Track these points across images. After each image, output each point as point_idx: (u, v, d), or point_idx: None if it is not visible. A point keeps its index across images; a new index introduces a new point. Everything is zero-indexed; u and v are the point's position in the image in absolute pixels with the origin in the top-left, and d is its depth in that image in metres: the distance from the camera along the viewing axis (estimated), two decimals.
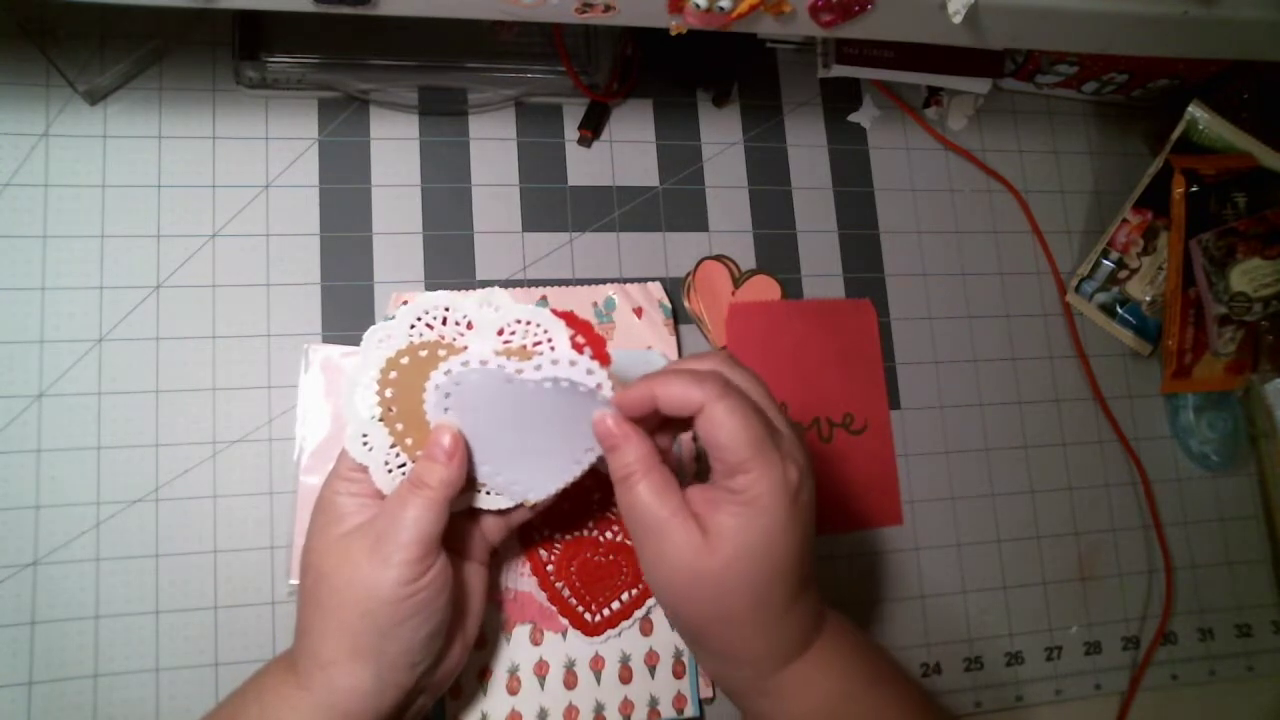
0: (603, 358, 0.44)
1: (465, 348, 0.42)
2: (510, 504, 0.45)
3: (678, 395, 0.39)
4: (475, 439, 0.43)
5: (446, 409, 0.42)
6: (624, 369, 0.56)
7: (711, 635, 0.41)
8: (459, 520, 0.45)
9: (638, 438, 0.41)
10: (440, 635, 0.43)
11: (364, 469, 0.42)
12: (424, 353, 0.41)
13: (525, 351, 0.42)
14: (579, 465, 0.43)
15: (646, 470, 0.40)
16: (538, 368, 0.41)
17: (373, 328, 0.42)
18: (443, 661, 0.44)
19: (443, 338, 0.42)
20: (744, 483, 0.39)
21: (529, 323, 0.42)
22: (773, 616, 0.40)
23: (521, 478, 0.44)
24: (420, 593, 0.40)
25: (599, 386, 0.41)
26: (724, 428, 0.38)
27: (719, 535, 0.39)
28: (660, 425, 0.43)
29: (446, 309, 0.42)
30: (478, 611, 0.47)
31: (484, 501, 0.45)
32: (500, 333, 0.42)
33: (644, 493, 0.40)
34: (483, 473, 0.44)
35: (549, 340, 0.42)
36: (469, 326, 0.42)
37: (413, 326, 0.42)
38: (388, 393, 0.41)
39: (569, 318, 0.42)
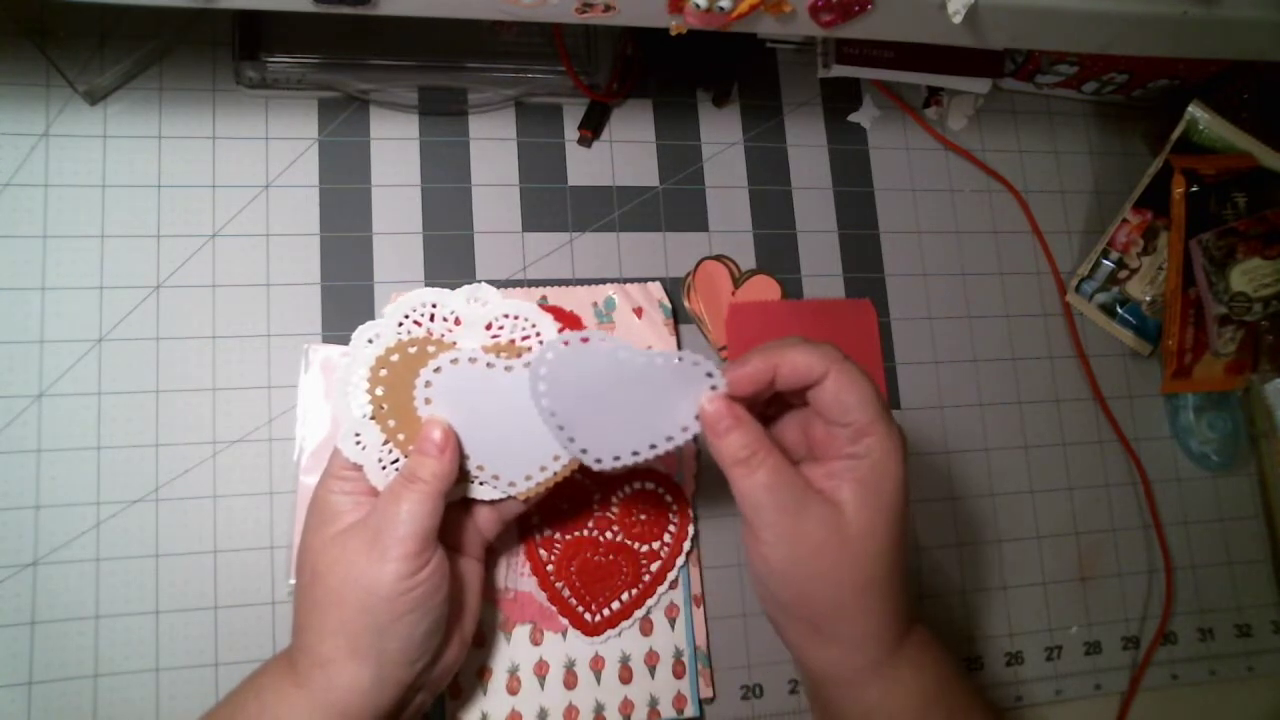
0: None
1: (455, 343, 0.42)
2: (502, 494, 0.45)
3: (801, 363, 0.40)
4: (470, 432, 0.43)
5: (428, 400, 0.42)
6: None
7: (846, 611, 0.40)
8: (454, 516, 0.45)
9: (751, 419, 0.40)
10: (438, 631, 0.43)
11: (357, 467, 0.42)
12: (413, 349, 0.41)
13: (513, 346, 0.43)
14: (672, 441, 0.41)
15: (769, 450, 0.40)
16: (526, 365, 0.41)
17: (361, 327, 0.42)
18: (441, 658, 0.44)
19: (431, 334, 0.42)
20: (869, 444, 0.40)
21: (516, 317, 0.42)
22: (899, 583, 0.41)
23: (513, 471, 0.44)
24: (417, 588, 0.40)
25: (711, 378, 0.39)
26: (854, 389, 0.40)
27: (852, 503, 0.39)
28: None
29: (434, 305, 0.42)
30: (475, 608, 0.47)
31: (477, 491, 0.45)
32: (489, 327, 0.42)
33: (771, 473, 0.39)
34: (474, 467, 0.44)
35: (537, 334, 0.42)
36: (457, 322, 0.42)
37: (400, 324, 0.42)
38: (379, 390, 0.41)
39: (556, 312, 0.43)
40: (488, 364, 0.41)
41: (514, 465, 0.44)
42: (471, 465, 0.44)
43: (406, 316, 0.42)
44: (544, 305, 0.56)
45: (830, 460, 0.41)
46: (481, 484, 0.44)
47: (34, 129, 0.54)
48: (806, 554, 0.39)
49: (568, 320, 0.44)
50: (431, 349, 0.41)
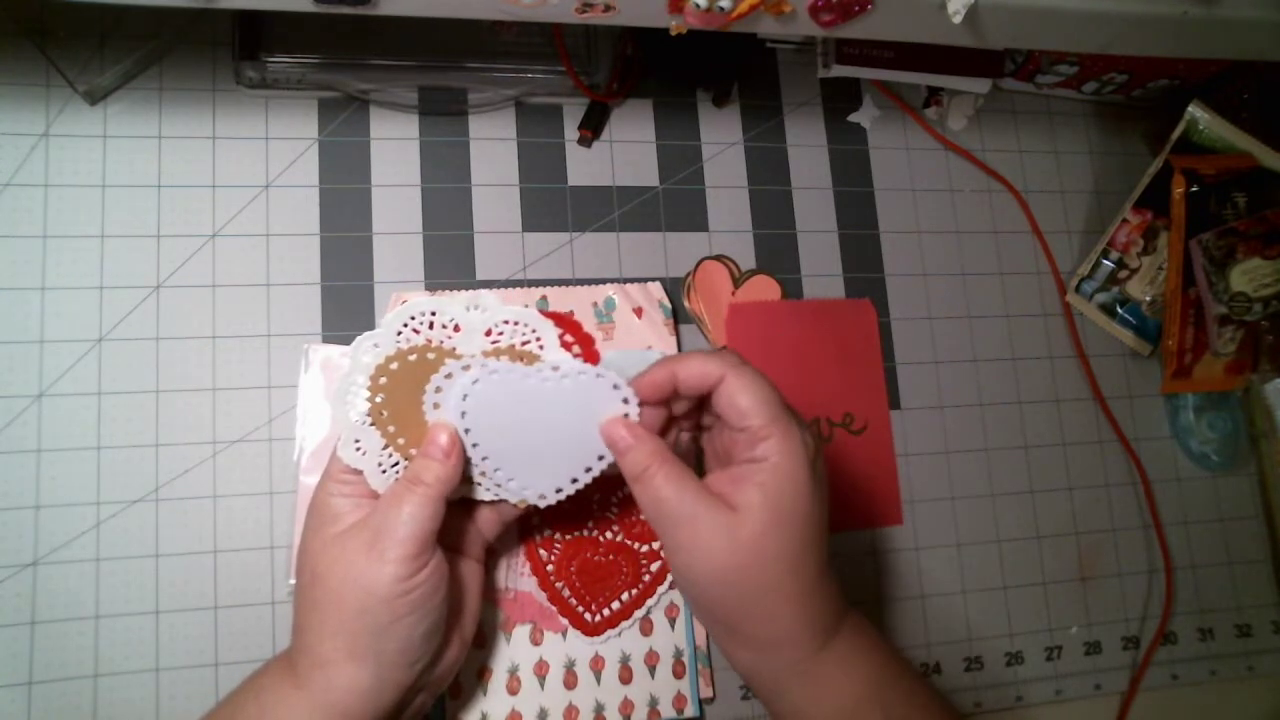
0: (591, 357, 0.44)
1: (454, 349, 0.42)
2: (530, 502, 0.45)
3: (698, 369, 0.41)
4: (487, 440, 0.43)
5: (464, 412, 0.42)
6: (623, 369, 0.56)
7: (751, 616, 0.41)
8: (454, 517, 0.46)
9: (647, 435, 0.41)
10: (437, 632, 0.43)
11: (357, 472, 0.43)
12: (413, 357, 0.41)
13: (514, 351, 0.43)
14: (590, 472, 0.44)
15: (661, 463, 0.41)
16: (555, 368, 0.42)
17: (360, 337, 0.42)
18: (441, 659, 0.44)
19: (430, 341, 0.42)
20: (766, 449, 0.40)
21: (517, 323, 0.42)
22: (808, 586, 0.41)
23: (532, 481, 0.44)
24: (416, 589, 0.40)
25: (619, 390, 0.41)
26: (747, 392, 0.40)
27: (749, 507, 0.39)
28: (664, 426, 0.44)
29: (433, 313, 0.42)
30: (475, 608, 0.47)
31: (479, 493, 0.45)
32: (488, 334, 0.42)
33: (664, 484, 0.40)
34: (494, 475, 0.44)
35: (537, 340, 0.43)
36: (456, 329, 0.42)
37: (399, 332, 0.42)
38: (378, 398, 0.42)
39: (557, 318, 0.43)
40: (524, 374, 0.41)
41: (544, 476, 0.44)
42: (500, 476, 0.44)
43: (405, 325, 0.42)
44: (544, 311, 0.56)
45: (733, 465, 0.42)
46: (499, 487, 0.44)
47: (34, 129, 0.54)
48: (703, 558, 0.40)
49: (568, 325, 0.44)
50: (431, 356, 0.42)
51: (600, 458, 0.43)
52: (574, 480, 0.44)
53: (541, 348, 0.42)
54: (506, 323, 0.42)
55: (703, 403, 0.44)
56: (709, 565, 0.40)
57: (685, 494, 0.40)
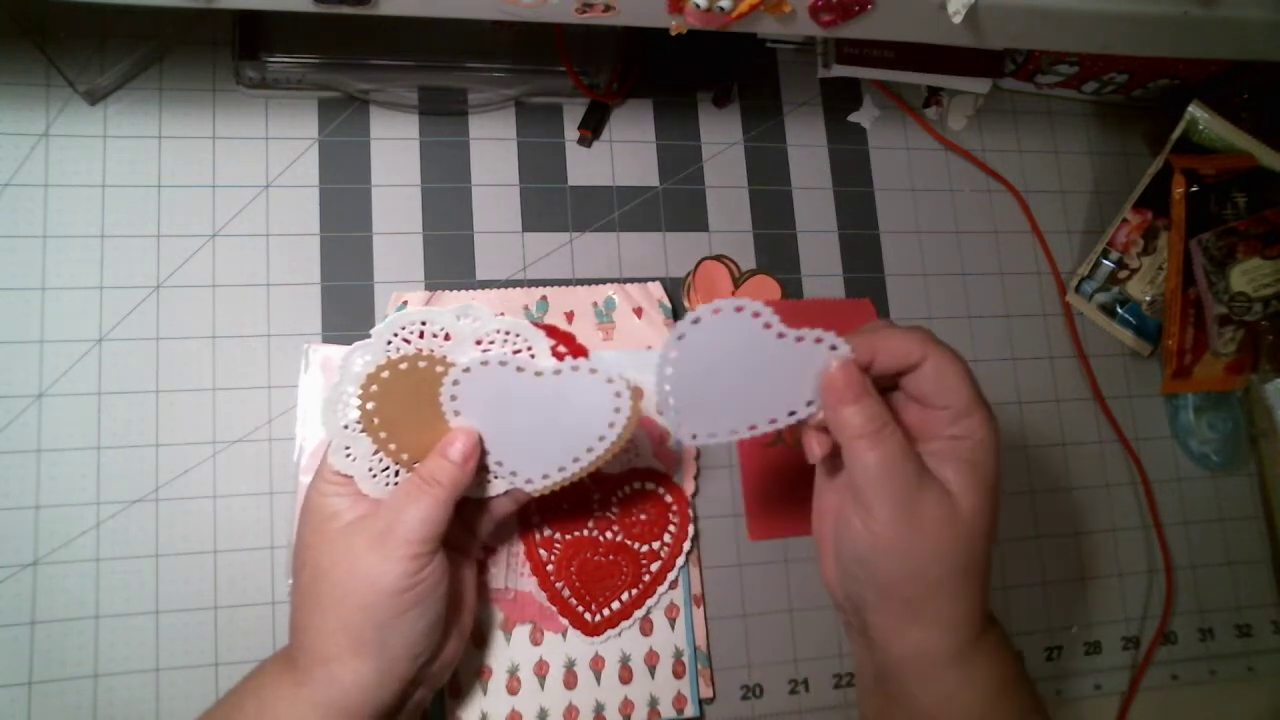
0: None
1: (445, 357, 0.42)
2: (520, 489, 0.45)
3: (899, 348, 0.40)
4: (492, 430, 0.43)
5: (454, 396, 0.42)
6: (624, 369, 0.56)
7: (949, 590, 0.40)
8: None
9: (875, 393, 0.40)
10: (439, 627, 0.43)
11: (348, 478, 0.43)
12: (404, 366, 0.41)
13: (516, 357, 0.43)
14: (775, 424, 0.42)
15: (894, 426, 0.39)
16: (575, 369, 0.41)
17: (349, 348, 0.42)
18: (440, 654, 0.44)
19: (421, 351, 0.42)
20: (969, 426, 0.40)
21: (508, 333, 0.42)
22: (989, 567, 0.41)
23: (531, 469, 0.45)
24: (420, 585, 0.41)
25: (823, 343, 0.40)
26: (953, 373, 0.40)
27: (961, 484, 0.40)
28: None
29: (423, 323, 0.42)
30: (472, 604, 0.47)
31: (487, 489, 0.46)
32: (479, 343, 0.42)
33: (900, 447, 0.39)
34: (492, 463, 0.44)
35: (529, 351, 0.43)
36: (446, 338, 0.42)
37: (389, 342, 0.42)
38: (369, 405, 0.42)
39: (549, 329, 0.43)
40: (517, 368, 0.41)
41: (532, 465, 0.45)
42: (490, 461, 0.44)
43: (396, 335, 0.42)
44: (541, 316, 0.56)
45: (929, 442, 0.41)
46: (497, 479, 0.45)
47: (34, 129, 0.54)
48: (922, 532, 0.39)
49: (562, 337, 0.44)
50: (422, 364, 0.42)
51: (791, 413, 0.41)
52: (751, 427, 0.42)
53: (534, 358, 0.43)
54: (499, 332, 0.42)
55: None
56: (925, 536, 0.39)
57: (916, 461, 0.39)
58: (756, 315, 0.38)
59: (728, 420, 0.42)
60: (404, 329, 0.42)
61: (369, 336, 0.42)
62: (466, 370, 0.42)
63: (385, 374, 0.41)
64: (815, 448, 0.42)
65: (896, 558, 0.40)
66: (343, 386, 0.42)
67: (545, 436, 0.43)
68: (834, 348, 0.39)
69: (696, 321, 0.38)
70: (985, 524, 0.40)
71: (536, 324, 0.42)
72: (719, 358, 0.40)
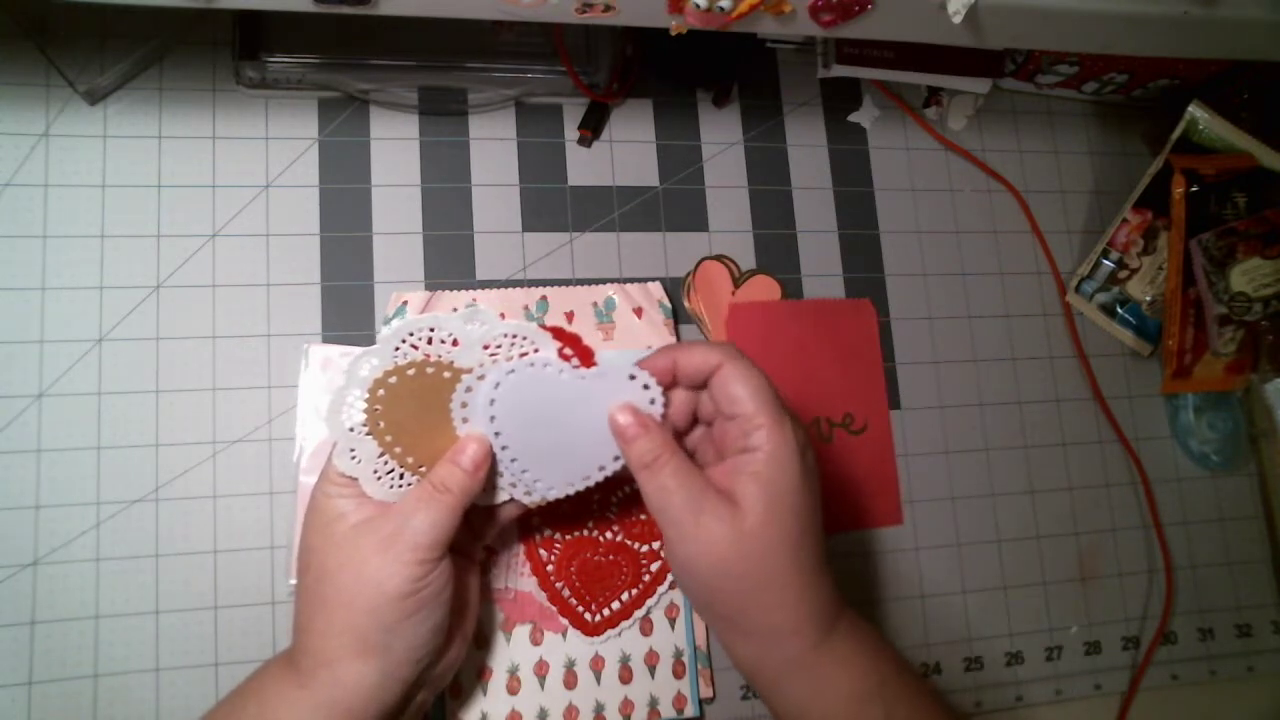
0: (590, 367, 0.45)
1: (453, 363, 0.42)
2: (537, 500, 0.46)
3: (698, 357, 0.42)
4: (511, 439, 0.43)
5: (492, 416, 0.42)
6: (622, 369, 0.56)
7: (754, 606, 0.41)
8: None
9: (656, 425, 0.42)
10: (443, 630, 0.43)
11: (353, 480, 0.43)
12: (411, 371, 0.41)
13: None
14: (603, 471, 0.44)
15: (671, 455, 0.41)
16: (581, 376, 0.42)
17: (356, 354, 0.42)
18: (443, 656, 0.44)
19: (429, 356, 0.42)
20: (760, 438, 0.41)
21: (515, 336, 0.42)
22: (808, 577, 0.41)
23: (550, 478, 0.45)
24: (425, 590, 0.41)
25: (636, 380, 0.42)
26: (741, 380, 0.41)
27: (748, 498, 0.40)
28: (690, 423, 0.45)
29: (431, 329, 0.42)
30: (475, 606, 0.47)
31: (498, 496, 0.46)
32: (486, 347, 0.42)
33: (671, 476, 0.41)
34: (519, 475, 0.44)
35: (536, 352, 0.43)
36: (454, 344, 0.42)
37: (397, 349, 0.42)
38: (376, 409, 0.42)
39: (556, 331, 0.43)
40: (560, 371, 0.42)
41: (561, 474, 0.45)
42: (509, 469, 0.44)
43: (404, 341, 0.42)
44: (544, 315, 0.56)
45: (730, 457, 0.42)
46: (514, 487, 0.45)
47: (34, 129, 0.54)
48: (707, 550, 0.40)
49: (567, 339, 0.44)
50: (430, 370, 0.42)
51: (616, 458, 0.43)
52: (586, 478, 0.44)
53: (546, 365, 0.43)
54: (506, 336, 0.42)
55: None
56: (712, 556, 0.40)
57: (692, 485, 0.41)
58: (547, 365, 0.41)
59: (560, 474, 0.44)
60: (412, 335, 0.42)
61: (373, 340, 0.42)
62: (482, 378, 0.42)
63: (393, 380, 0.41)
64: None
65: (694, 578, 0.42)
66: (348, 390, 0.42)
67: (573, 443, 0.43)
68: (632, 376, 0.42)
69: (496, 386, 0.41)
70: (778, 534, 0.40)
71: (543, 326, 0.42)
72: (533, 415, 0.42)
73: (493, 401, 0.42)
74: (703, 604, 0.44)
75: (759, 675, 0.43)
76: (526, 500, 0.45)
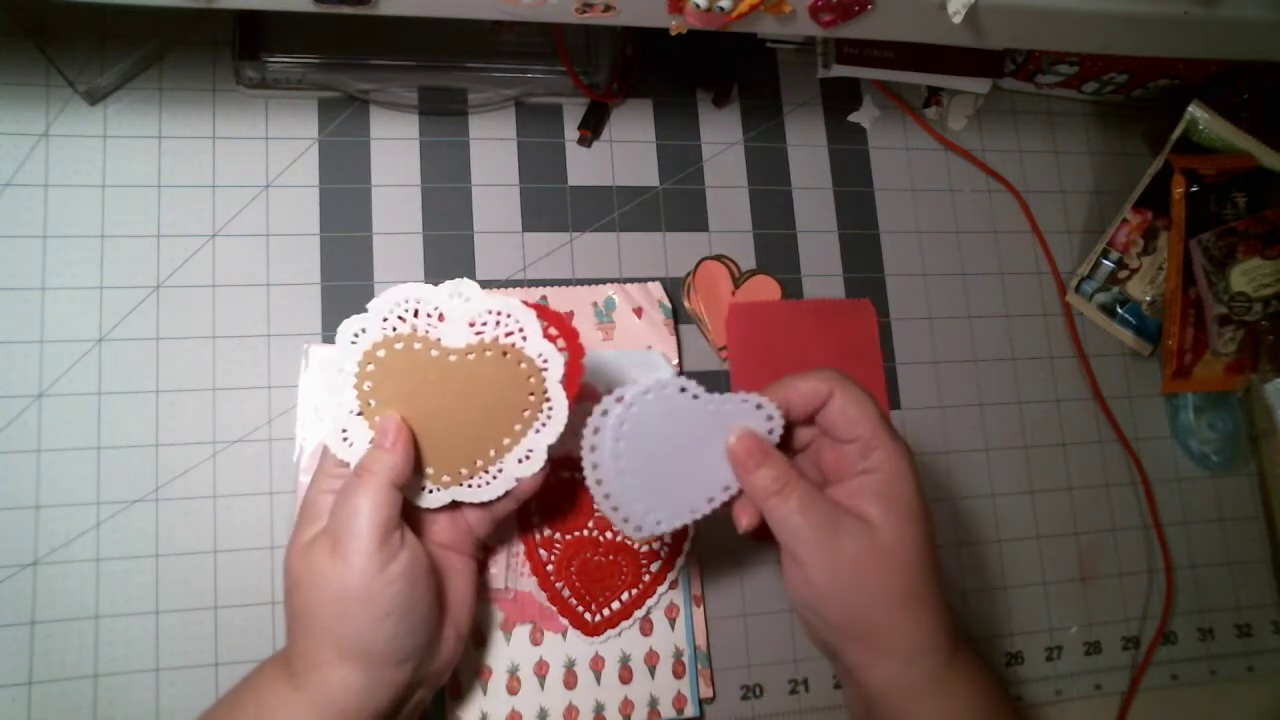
0: (575, 348, 0.44)
1: (439, 339, 0.42)
2: (646, 536, 0.45)
3: (809, 388, 0.42)
4: (635, 468, 0.42)
5: (618, 440, 0.41)
6: (624, 369, 0.56)
7: (896, 622, 0.41)
8: (443, 514, 0.46)
9: (777, 452, 0.42)
10: (423, 629, 0.42)
11: (345, 464, 0.43)
12: (399, 345, 0.41)
13: (496, 344, 0.42)
14: (712, 503, 0.44)
15: (798, 480, 0.41)
16: (695, 396, 0.42)
17: (345, 322, 0.42)
18: (437, 654, 0.44)
19: (415, 330, 0.42)
20: (879, 458, 0.41)
21: (500, 313, 0.42)
22: (939, 594, 0.42)
23: (658, 508, 0.43)
24: (389, 586, 0.40)
25: (763, 409, 0.42)
26: (857, 405, 0.42)
27: (877, 516, 0.41)
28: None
29: (417, 301, 0.42)
30: (468, 602, 0.47)
31: (433, 499, 0.45)
32: (471, 324, 0.42)
33: (805, 497, 0.41)
34: (624, 503, 0.43)
35: (520, 331, 0.42)
36: (440, 318, 0.42)
37: (385, 320, 0.42)
38: (366, 385, 0.42)
39: (540, 309, 0.43)
40: (693, 395, 0.41)
41: (665, 506, 0.44)
42: (627, 502, 0.43)
43: (390, 312, 0.42)
44: (529, 303, 0.56)
45: (846, 480, 0.43)
46: (625, 521, 0.43)
47: (34, 129, 0.54)
48: (848, 569, 0.41)
49: (553, 318, 0.43)
50: (418, 346, 0.42)
51: (726, 488, 0.43)
52: (693, 511, 0.43)
53: (525, 339, 0.42)
54: (491, 313, 0.42)
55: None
56: (853, 574, 0.41)
57: (825, 504, 0.41)
58: (683, 390, 0.41)
59: (669, 506, 0.43)
60: (399, 305, 0.42)
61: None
62: (605, 413, 0.41)
63: (381, 353, 0.41)
64: (743, 519, 0.43)
65: (832, 598, 0.42)
66: (339, 364, 0.42)
67: (685, 473, 0.43)
68: (759, 406, 0.42)
69: (621, 401, 0.40)
70: (912, 551, 0.41)
71: (525, 303, 0.42)
72: (653, 443, 0.41)
73: (623, 423, 0.41)
74: (839, 625, 0.42)
75: (891, 698, 0.42)
76: (637, 536, 0.44)
